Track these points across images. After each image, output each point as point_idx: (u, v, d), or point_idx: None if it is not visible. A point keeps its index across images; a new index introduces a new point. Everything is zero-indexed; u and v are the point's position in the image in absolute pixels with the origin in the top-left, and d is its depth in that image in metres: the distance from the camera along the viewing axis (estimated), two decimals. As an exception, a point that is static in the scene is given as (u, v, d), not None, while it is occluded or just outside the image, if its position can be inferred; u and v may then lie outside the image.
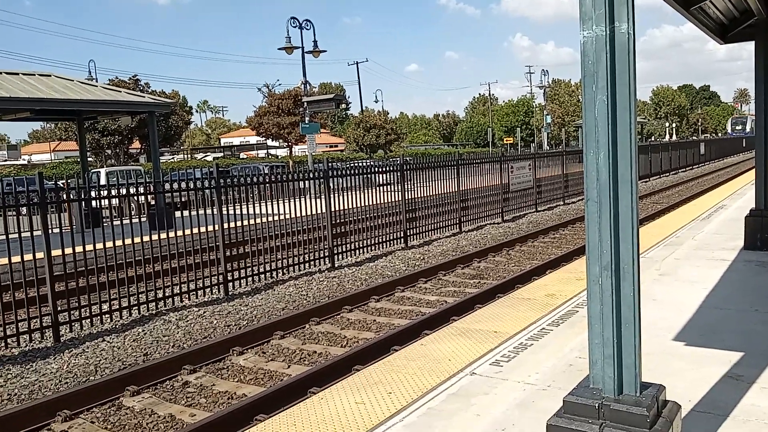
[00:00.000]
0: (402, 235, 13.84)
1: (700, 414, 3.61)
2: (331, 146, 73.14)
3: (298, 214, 11.33)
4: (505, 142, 65.71)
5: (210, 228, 10.14)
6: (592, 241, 2.71)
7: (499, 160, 18.71)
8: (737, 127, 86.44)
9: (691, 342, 4.86)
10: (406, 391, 4.30)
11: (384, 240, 13.32)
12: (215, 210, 9.94)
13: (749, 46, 8.08)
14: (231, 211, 10.10)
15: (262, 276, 10.52)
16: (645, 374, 2.82)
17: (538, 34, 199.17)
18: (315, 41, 27.99)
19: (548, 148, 58.06)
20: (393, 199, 14.10)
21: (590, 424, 2.60)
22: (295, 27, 27.46)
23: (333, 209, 12.03)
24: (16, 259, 7.79)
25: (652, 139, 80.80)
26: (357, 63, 71.08)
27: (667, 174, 35.29)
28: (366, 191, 12.95)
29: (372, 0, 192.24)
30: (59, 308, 7.98)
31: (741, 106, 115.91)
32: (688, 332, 5.11)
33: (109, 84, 32.08)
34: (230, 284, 9.98)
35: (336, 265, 11.84)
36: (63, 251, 8.06)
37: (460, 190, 16.20)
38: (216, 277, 9.91)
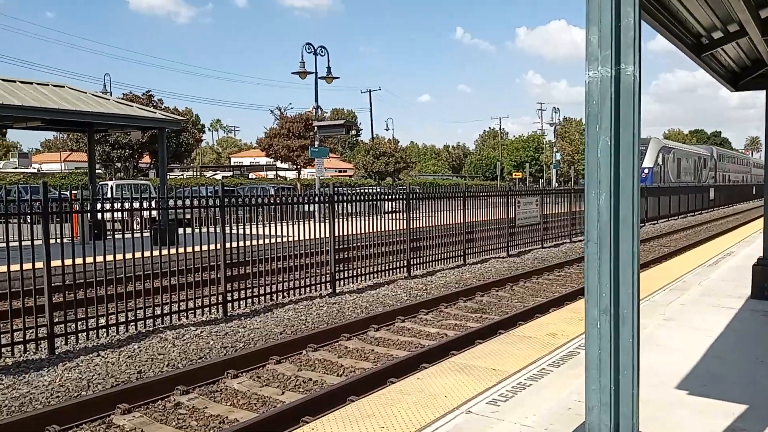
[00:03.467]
0: (405, 264, 13.77)
1: (699, 467, 3.51)
2: (340, 171, 73.47)
3: (302, 237, 11.29)
4: (513, 176, 65.82)
5: (212, 246, 10.10)
6: (592, 283, 2.66)
7: (507, 194, 18.68)
8: None
9: (695, 391, 4.75)
10: (400, 427, 4.21)
11: (387, 268, 13.24)
12: (218, 229, 9.92)
13: (761, 95, 8.07)
14: (234, 231, 10.07)
15: (262, 298, 10.45)
16: (646, 423, 2.76)
17: (551, 73, 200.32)
18: (329, 67, 28.27)
19: (557, 184, 58.05)
20: (398, 228, 14.06)
21: (583, 473, 2.52)
22: (310, 53, 27.78)
23: (336, 234, 11.99)
24: (15, 267, 7.76)
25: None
26: (369, 91, 71.66)
27: (675, 217, 35.11)
28: (371, 218, 12.93)
29: (388, 30, 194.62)
30: (56, 320, 7.92)
31: (752, 153, 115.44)
32: (692, 381, 5.00)
33: (123, 98, 32.47)
34: (229, 305, 9.90)
35: (337, 291, 11.76)
36: (63, 262, 8.03)
37: (466, 221, 16.14)
38: (215, 296, 9.84)
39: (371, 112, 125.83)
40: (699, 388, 4.79)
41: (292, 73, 27.52)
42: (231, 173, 59.69)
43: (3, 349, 7.43)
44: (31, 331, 7.72)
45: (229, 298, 9.91)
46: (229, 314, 9.81)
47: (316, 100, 29.42)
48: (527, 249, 18.94)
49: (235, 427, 5.43)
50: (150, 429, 5.72)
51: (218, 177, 50.26)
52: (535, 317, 8.95)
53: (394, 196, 14.60)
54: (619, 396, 2.58)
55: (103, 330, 8.34)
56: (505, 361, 5.66)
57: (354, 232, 12.46)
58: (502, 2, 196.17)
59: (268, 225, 11.09)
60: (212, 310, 9.74)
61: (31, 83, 16.30)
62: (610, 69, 2.61)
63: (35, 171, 53.03)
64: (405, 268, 13.73)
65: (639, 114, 2.62)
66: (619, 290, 2.61)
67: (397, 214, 14.38)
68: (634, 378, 2.57)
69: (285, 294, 10.84)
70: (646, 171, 40.98)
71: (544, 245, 19.98)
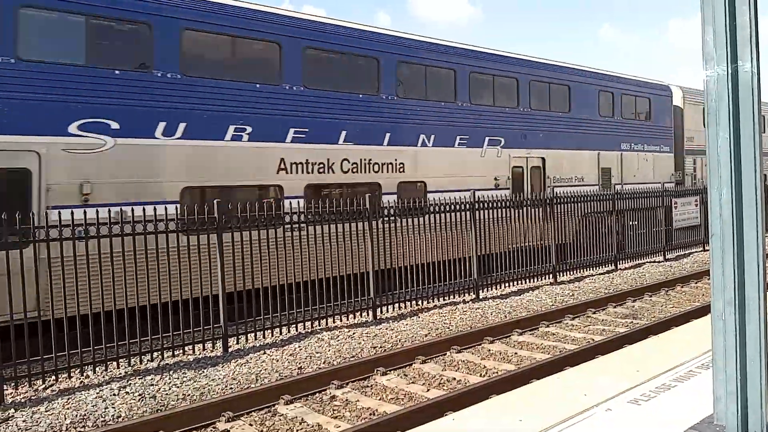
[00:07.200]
0: (551, 269, 13.61)
1: None
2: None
3: (446, 244, 11.64)
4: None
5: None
6: (716, 276, 2.73)
7: (662, 195, 17.70)
8: None
9: None
10: (537, 419, 4.38)
11: (532, 274, 13.18)
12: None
13: None
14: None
15: (408, 303, 10.94)
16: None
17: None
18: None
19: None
20: (543, 233, 13.94)
21: (709, 459, 2.60)
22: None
23: (479, 240, 12.19)
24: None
25: None
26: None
27: None
28: (515, 224, 12.96)
29: (529, 35, 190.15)
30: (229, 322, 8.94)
31: None
32: None
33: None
34: (378, 309, 10.49)
35: (480, 297, 11.95)
36: (234, 273, 9.08)
37: (617, 226, 15.56)
38: (365, 301, 10.47)
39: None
40: None
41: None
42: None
43: (186, 348, 8.54)
44: (208, 332, 8.80)
45: (378, 303, 10.50)
46: (378, 318, 10.40)
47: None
48: (686, 252, 17.80)
49: (383, 417, 5.88)
50: (309, 418, 6.34)
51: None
52: (690, 321, 8.56)
53: (535, 202, 14.42)
54: (746, 386, 2.62)
55: (269, 331, 9.24)
56: (651, 363, 5.57)
57: (498, 238, 12.58)
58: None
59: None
60: (363, 314, 10.38)
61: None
62: (726, 67, 2.68)
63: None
64: (551, 274, 13.58)
65: (759, 109, 2.65)
66: (744, 282, 2.66)
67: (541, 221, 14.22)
68: (762, 368, 2.60)
69: (430, 299, 11.25)
70: None
71: (707, 247, 18.62)
